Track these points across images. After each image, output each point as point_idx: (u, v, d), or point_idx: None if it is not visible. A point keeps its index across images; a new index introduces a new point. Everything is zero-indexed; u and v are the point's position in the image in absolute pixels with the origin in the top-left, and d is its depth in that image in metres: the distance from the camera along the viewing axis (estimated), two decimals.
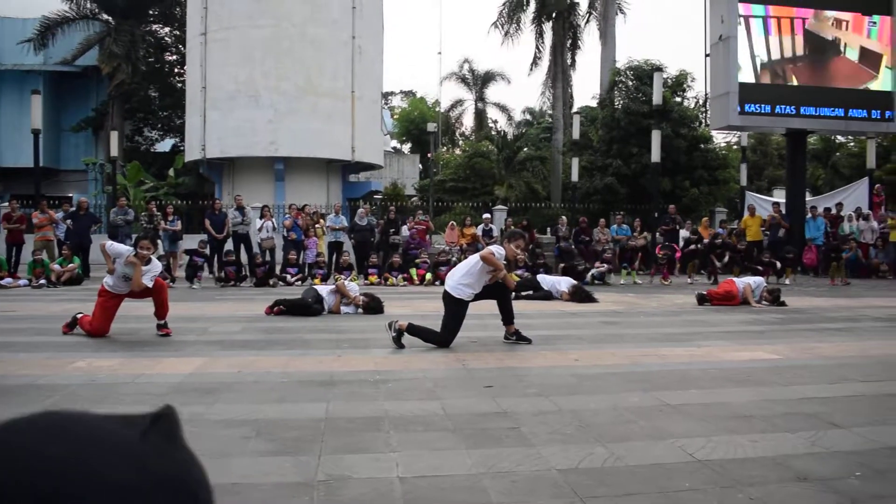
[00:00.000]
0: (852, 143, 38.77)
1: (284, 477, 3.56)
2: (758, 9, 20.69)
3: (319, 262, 16.65)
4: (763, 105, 20.43)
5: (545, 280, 13.89)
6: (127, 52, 30.65)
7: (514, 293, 10.23)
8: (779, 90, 20.66)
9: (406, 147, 54.03)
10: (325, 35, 25.89)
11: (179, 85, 33.92)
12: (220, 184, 28.02)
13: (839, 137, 39.92)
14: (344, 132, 26.28)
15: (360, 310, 10.58)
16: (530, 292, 13.40)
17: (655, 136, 20.76)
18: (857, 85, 21.24)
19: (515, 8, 35.96)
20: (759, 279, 12.99)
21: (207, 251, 16.44)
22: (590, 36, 33.57)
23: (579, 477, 3.56)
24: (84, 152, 33.66)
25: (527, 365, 6.68)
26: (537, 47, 36.57)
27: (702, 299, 12.22)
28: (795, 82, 20.92)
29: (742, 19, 20.48)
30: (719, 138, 35.53)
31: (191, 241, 17.49)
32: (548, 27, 35.95)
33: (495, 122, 49.31)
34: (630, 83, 27.25)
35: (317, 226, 18.04)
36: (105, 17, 32.83)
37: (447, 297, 7.62)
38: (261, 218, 17.62)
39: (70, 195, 27.73)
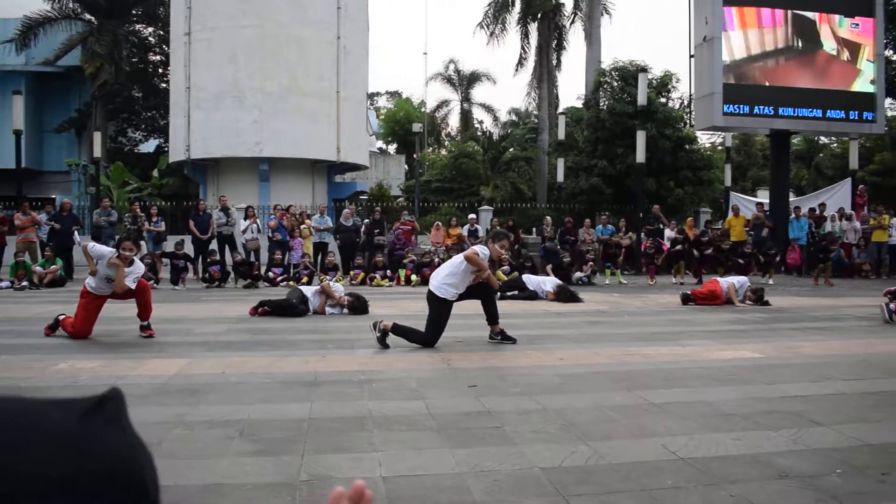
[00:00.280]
0: (835, 145, 39.06)
1: (267, 477, 3.54)
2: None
3: (305, 262, 16.59)
4: (747, 106, 20.53)
5: (530, 280, 13.91)
6: (110, 52, 30.43)
7: (499, 293, 10.24)
8: (763, 91, 20.77)
9: (392, 148, 53.99)
10: (310, 35, 25.82)
11: (163, 85, 33.73)
12: (204, 184, 27.89)
13: (822, 138, 40.21)
14: (329, 133, 26.22)
15: (346, 310, 10.56)
16: (515, 292, 13.42)
17: (640, 137, 20.85)
18: (839, 83, 21.37)
19: (501, 8, 36.01)
20: (743, 279, 13.06)
21: (184, 251, 16.23)
22: (575, 37, 33.84)
23: (563, 475, 3.56)
24: (67, 153, 33.38)
25: (511, 364, 6.69)
26: (523, 48, 36.67)
27: (686, 299, 12.27)
28: (778, 83, 21.03)
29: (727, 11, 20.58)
30: (704, 139, 35.67)
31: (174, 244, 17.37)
32: (533, 28, 36.03)
33: (481, 122, 49.47)
34: (615, 84, 27.33)
35: (302, 226, 18.00)
36: (88, 16, 32.59)
37: (431, 296, 7.62)
38: (245, 219, 17.55)
39: (53, 197, 27.53)
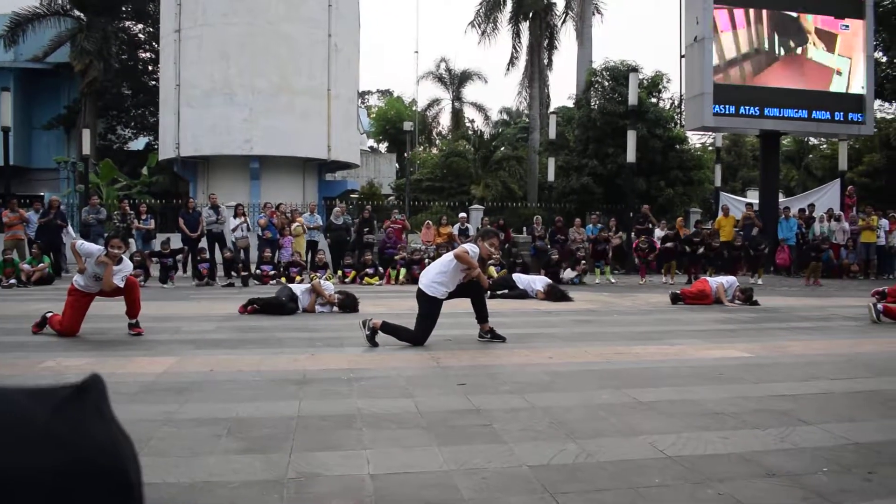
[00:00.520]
0: (825, 146, 39.24)
1: (255, 475, 3.53)
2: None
3: (295, 260, 16.53)
4: (737, 106, 20.59)
5: (520, 279, 13.92)
6: (99, 48, 30.27)
7: (489, 292, 10.25)
8: (752, 92, 20.84)
9: (383, 146, 53.94)
10: (301, 33, 25.77)
11: (153, 83, 33.58)
12: (194, 182, 27.81)
13: (812, 139, 40.39)
14: (320, 131, 26.18)
15: (335, 308, 10.55)
16: (505, 291, 13.44)
17: (631, 137, 20.89)
18: (825, 80, 21.43)
19: (492, 8, 36.02)
20: (732, 279, 13.12)
21: (170, 248, 16.12)
22: (566, 36, 33.87)
23: (550, 473, 3.57)
24: (56, 151, 33.20)
25: (500, 363, 6.69)
26: (514, 47, 36.67)
27: (675, 298, 12.31)
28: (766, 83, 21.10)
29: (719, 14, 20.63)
30: (694, 139, 35.79)
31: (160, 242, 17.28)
32: (524, 27, 36.05)
33: (472, 121, 49.36)
34: (606, 84, 27.36)
35: (294, 224, 17.94)
36: (77, 13, 32.40)
37: (421, 295, 7.62)
38: (234, 217, 17.49)
39: (41, 194, 27.35)
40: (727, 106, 20.48)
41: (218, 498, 3.24)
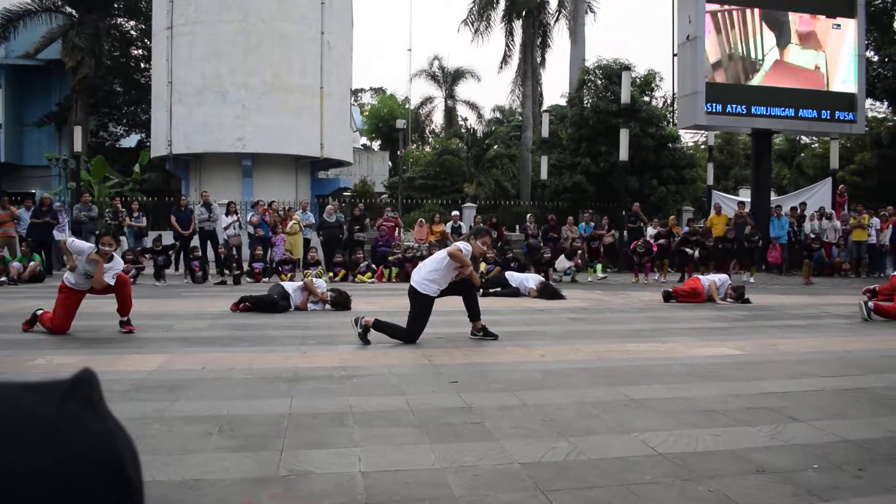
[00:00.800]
0: (816, 144, 39.36)
1: (245, 473, 3.52)
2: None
3: (286, 258, 16.50)
4: (729, 105, 20.65)
5: (513, 277, 13.93)
6: (91, 45, 30.13)
7: (481, 290, 10.25)
8: (745, 90, 20.90)
9: (376, 144, 53.90)
10: (294, 30, 25.72)
11: (145, 80, 33.45)
12: (186, 180, 27.73)
13: (804, 138, 40.52)
14: (313, 129, 26.14)
15: (328, 306, 10.54)
16: (498, 289, 13.45)
17: (624, 135, 20.93)
18: (812, 79, 21.50)
19: (485, 6, 36.02)
20: (724, 277, 13.14)
21: (162, 246, 16.08)
22: (559, 35, 33.93)
23: (542, 470, 3.57)
24: (47, 148, 33.05)
25: (493, 361, 6.69)
26: (507, 45, 36.69)
27: (667, 296, 12.35)
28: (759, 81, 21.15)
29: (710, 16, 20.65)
30: (687, 137, 35.92)
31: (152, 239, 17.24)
32: (518, 25, 36.07)
33: (465, 119, 49.43)
34: (599, 82, 27.40)
35: (291, 222, 17.90)
36: (68, 9, 32.23)
37: (413, 292, 7.62)
38: (227, 214, 17.45)
39: (33, 191, 27.26)
40: (719, 104, 20.53)
41: (208, 496, 3.23)
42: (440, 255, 7.85)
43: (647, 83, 27.86)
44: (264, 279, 15.76)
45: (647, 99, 27.67)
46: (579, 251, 17.38)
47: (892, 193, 25.96)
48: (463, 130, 43.69)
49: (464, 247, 7.72)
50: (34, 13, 31.04)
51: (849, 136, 26.19)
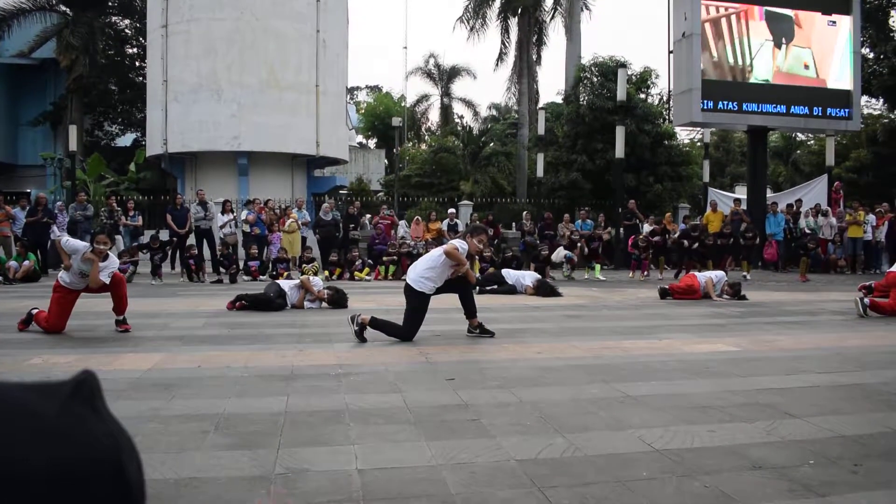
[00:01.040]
0: (812, 142, 39.44)
1: (242, 471, 3.52)
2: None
3: (281, 256, 16.43)
4: (725, 102, 20.65)
5: (510, 274, 13.92)
6: (85, 44, 30.07)
7: (477, 287, 10.24)
8: (740, 87, 20.90)
9: (372, 142, 53.86)
10: (289, 28, 25.69)
11: (140, 79, 33.39)
12: (182, 179, 27.68)
13: (799, 135, 40.58)
14: (308, 127, 26.11)
15: (324, 304, 10.54)
16: (495, 286, 13.44)
17: (620, 133, 20.93)
18: (815, 80, 21.54)
19: (481, 3, 35.94)
20: (721, 274, 13.16)
21: (159, 243, 16.06)
22: (555, 32, 33.93)
23: (538, 467, 3.57)
24: (42, 147, 33.00)
25: (489, 358, 6.69)
26: (503, 43, 36.62)
27: (664, 293, 12.36)
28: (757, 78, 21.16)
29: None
30: (683, 135, 35.97)
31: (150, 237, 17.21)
32: (513, 23, 36.00)
33: (461, 117, 49.33)
34: (595, 79, 27.39)
35: (289, 220, 17.87)
36: (63, 8, 32.16)
37: (409, 290, 7.61)
38: (222, 213, 17.42)
39: (28, 191, 27.19)
40: (715, 101, 20.53)
41: (205, 494, 3.23)
42: (436, 252, 7.84)
43: (642, 80, 27.87)
44: (261, 277, 15.75)
45: (643, 96, 27.68)
46: (578, 244, 17.37)
47: (887, 190, 26.02)
48: (459, 128, 43.65)
49: (460, 245, 7.72)
50: (28, 12, 30.98)
51: (844, 133, 26.21)
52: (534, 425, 4.33)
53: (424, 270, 7.61)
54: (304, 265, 15.63)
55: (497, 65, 37.70)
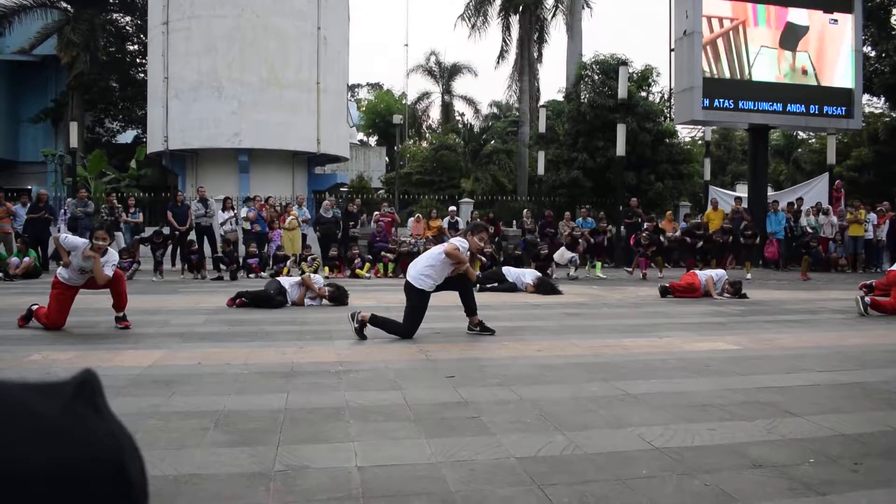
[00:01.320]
0: (813, 140, 39.40)
1: (241, 468, 3.52)
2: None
3: (280, 255, 16.41)
4: (726, 100, 20.62)
5: (510, 272, 13.91)
6: (86, 41, 30.06)
7: (477, 285, 10.23)
8: (741, 86, 20.87)
9: (372, 140, 53.87)
10: (290, 26, 25.68)
11: (141, 76, 33.39)
12: (183, 176, 27.69)
13: (801, 134, 40.55)
14: (309, 124, 26.10)
15: (325, 301, 10.53)
16: (495, 284, 13.43)
17: (621, 130, 20.90)
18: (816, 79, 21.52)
19: (482, 1, 35.96)
20: (721, 272, 13.15)
21: (162, 238, 16.07)
22: (556, 30, 33.93)
23: (538, 465, 3.57)
24: (43, 144, 33.00)
25: (489, 355, 6.69)
26: (504, 40, 36.65)
27: (664, 291, 12.35)
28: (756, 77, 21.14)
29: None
30: (684, 133, 35.92)
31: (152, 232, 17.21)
32: (514, 20, 36.02)
33: (462, 115, 49.36)
34: (596, 77, 27.39)
35: (290, 217, 17.86)
36: (64, 5, 32.18)
37: (409, 287, 7.61)
38: (223, 210, 17.41)
39: (29, 187, 27.21)
40: (716, 100, 20.51)
41: (205, 491, 3.23)
42: (436, 250, 7.83)
43: (644, 78, 27.86)
44: (261, 273, 15.74)
45: (644, 94, 27.68)
46: (581, 241, 17.34)
47: (888, 189, 26.00)
48: (460, 126, 43.68)
49: (460, 244, 7.71)
50: (29, 9, 30.98)
51: (846, 131, 26.18)
52: (534, 423, 4.33)
53: (424, 268, 7.60)
54: (303, 262, 15.64)
55: (498, 62, 37.79)
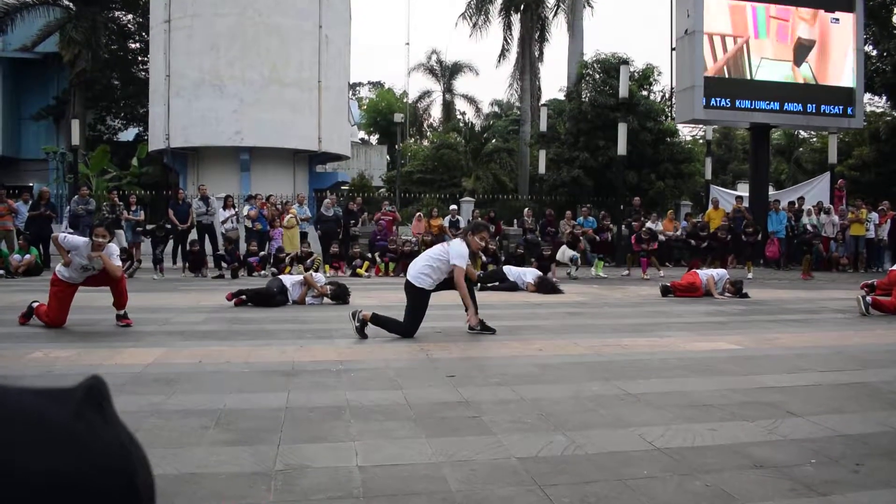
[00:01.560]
0: (814, 139, 39.36)
1: (242, 467, 3.51)
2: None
3: (280, 255, 16.38)
4: (727, 99, 20.62)
5: (511, 271, 13.91)
6: (88, 38, 30.04)
7: (478, 284, 10.22)
8: (743, 85, 20.86)
9: (374, 138, 53.88)
10: (291, 24, 25.64)
11: (143, 74, 33.39)
12: (184, 174, 27.67)
13: (802, 133, 40.50)
14: (310, 122, 26.07)
15: (325, 299, 10.53)
16: (496, 283, 13.43)
17: (622, 129, 20.89)
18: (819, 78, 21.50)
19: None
20: (722, 271, 13.14)
21: (164, 232, 16.10)
22: (558, 29, 33.92)
23: (539, 465, 3.56)
24: (45, 141, 32.99)
25: (490, 355, 6.69)
26: (505, 39, 36.64)
27: (665, 291, 12.34)
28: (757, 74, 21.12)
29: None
30: (685, 132, 35.92)
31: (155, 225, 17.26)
32: (516, 19, 36.01)
33: (463, 113, 49.38)
34: (597, 76, 27.37)
35: (288, 216, 17.87)
36: (66, 2, 32.15)
37: (409, 286, 7.61)
38: (224, 208, 17.42)
39: (30, 185, 27.22)
40: (718, 99, 20.50)
41: (205, 490, 3.23)
42: (436, 249, 7.80)
43: (645, 77, 27.83)
44: (262, 272, 15.74)
45: (645, 93, 27.65)
46: (581, 239, 17.34)
47: (889, 188, 25.97)
48: (461, 124, 43.68)
49: (458, 251, 7.59)
50: (32, 6, 30.96)
51: (847, 130, 26.15)
52: (534, 423, 4.33)
53: (423, 267, 7.60)
54: (303, 261, 15.63)
55: (499, 61, 37.79)
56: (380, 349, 6.86)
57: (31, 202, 17.46)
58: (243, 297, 10.20)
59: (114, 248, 8.08)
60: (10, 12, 30.38)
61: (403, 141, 41.88)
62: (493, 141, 39.62)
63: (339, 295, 10.53)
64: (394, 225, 19.54)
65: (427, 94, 50.37)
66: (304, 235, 18.00)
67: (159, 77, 26.35)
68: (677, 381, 5.58)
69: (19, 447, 0.53)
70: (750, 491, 3.25)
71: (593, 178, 25.62)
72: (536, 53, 36.83)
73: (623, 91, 21.31)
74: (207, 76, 25.17)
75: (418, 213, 21.04)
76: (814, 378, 5.79)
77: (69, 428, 0.57)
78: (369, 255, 16.97)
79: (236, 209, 17.85)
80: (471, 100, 48.64)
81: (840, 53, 21.67)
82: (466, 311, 7.76)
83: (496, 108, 51.35)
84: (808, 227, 19.81)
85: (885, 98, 31.07)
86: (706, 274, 12.68)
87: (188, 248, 16.12)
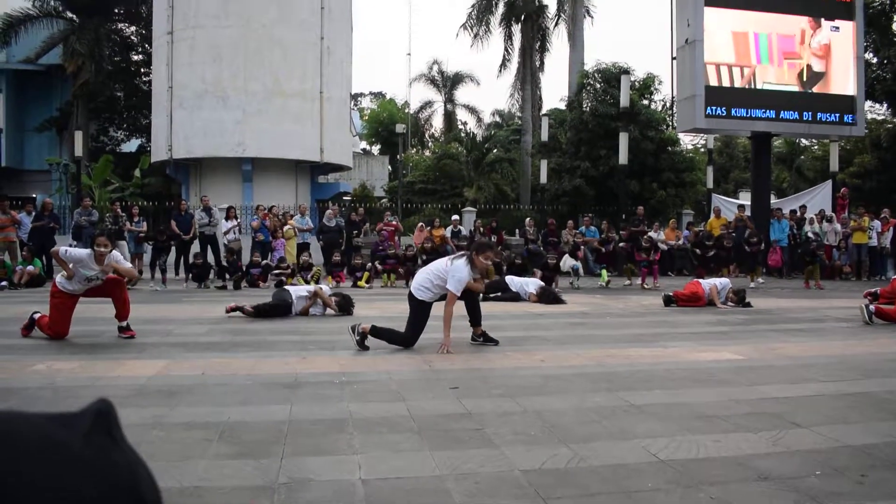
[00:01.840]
0: (816, 147, 39.38)
1: (245, 480, 3.51)
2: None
3: (282, 266, 16.38)
4: (728, 108, 20.65)
5: (513, 281, 13.90)
6: (91, 50, 30.18)
7: (481, 295, 10.19)
8: (744, 93, 20.90)
9: (375, 149, 53.95)
10: (294, 36, 25.73)
11: (145, 85, 33.51)
12: (186, 185, 27.73)
13: (803, 141, 40.52)
14: (312, 133, 26.13)
15: (328, 310, 10.50)
16: (498, 294, 13.41)
17: (623, 139, 20.91)
18: (819, 86, 21.53)
19: (484, 10, 36.07)
20: (725, 280, 13.12)
21: (166, 236, 16.14)
22: (558, 39, 33.97)
23: (543, 477, 3.55)
24: (48, 152, 33.12)
25: (493, 366, 6.67)
26: (506, 49, 36.74)
27: (668, 301, 12.32)
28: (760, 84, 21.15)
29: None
30: (686, 141, 35.93)
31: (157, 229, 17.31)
32: (517, 29, 36.12)
33: (465, 123, 49.46)
34: (598, 86, 27.42)
35: (286, 227, 17.89)
36: (69, 14, 32.33)
37: (411, 298, 7.60)
38: (226, 219, 17.44)
39: (34, 196, 27.27)
40: (719, 108, 20.54)
41: (208, 503, 3.22)
42: (440, 266, 7.69)
43: (646, 86, 27.87)
44: (264, 283, 15.73)
45: (646, 102, 27.68)
46: (583, 248, 17.33)
47: (891, 196, 25.97)
48: (462, 134, 43.74)
49: (461, 276, 7.49)
50: (35, 18, 31.13)
51: (848, 138, 26.20)
52: (538, 435, 4.32)
53: (424, 280, 7.58)
54: (304, 272, 15.64)
55: (500, 71, 37.87)
56: (382, 361, 6.85)
57: (34, 213, 17.50)
58: (250, 310, 10.07)
59: (117, 254, 8.10)
60: (14, 24, 30.55)
61: (405, 151, 41.95)
62: (495, 151, 39.69)
63: (343, 306, 10.54)
64: (396, 235, 19.54)
65: (428, 104, 50.52)
66: (305, 246, 17.99)
67: (162, 88, 26.43)
68: (681, 392, 5.56)
69: (31, 470, 0.54)
70: (755, 503, 3.24)
71: (595, 188, 25.63)
72: (537, 63, 36.92)
73: (624, 100, 21.34)
74: (210, 87, 25.26)
75: (420, 224, 21.05)
76: (817, 388, 5.77)
77: (79, 451, 0.57)
78: (369, 264, 16.94)
79: (238, 220, 17.87)
80: (472, 110, 48.80)
81: (841, 61, 21.70)
82: (444, 337, 7.56)
83: (497, 118, 51.47)
84: (811, 236, 19.79)
85: (885, 105, 31.11)
86: (709, 283, 12.66)
87: (192, 261, 16.14)
